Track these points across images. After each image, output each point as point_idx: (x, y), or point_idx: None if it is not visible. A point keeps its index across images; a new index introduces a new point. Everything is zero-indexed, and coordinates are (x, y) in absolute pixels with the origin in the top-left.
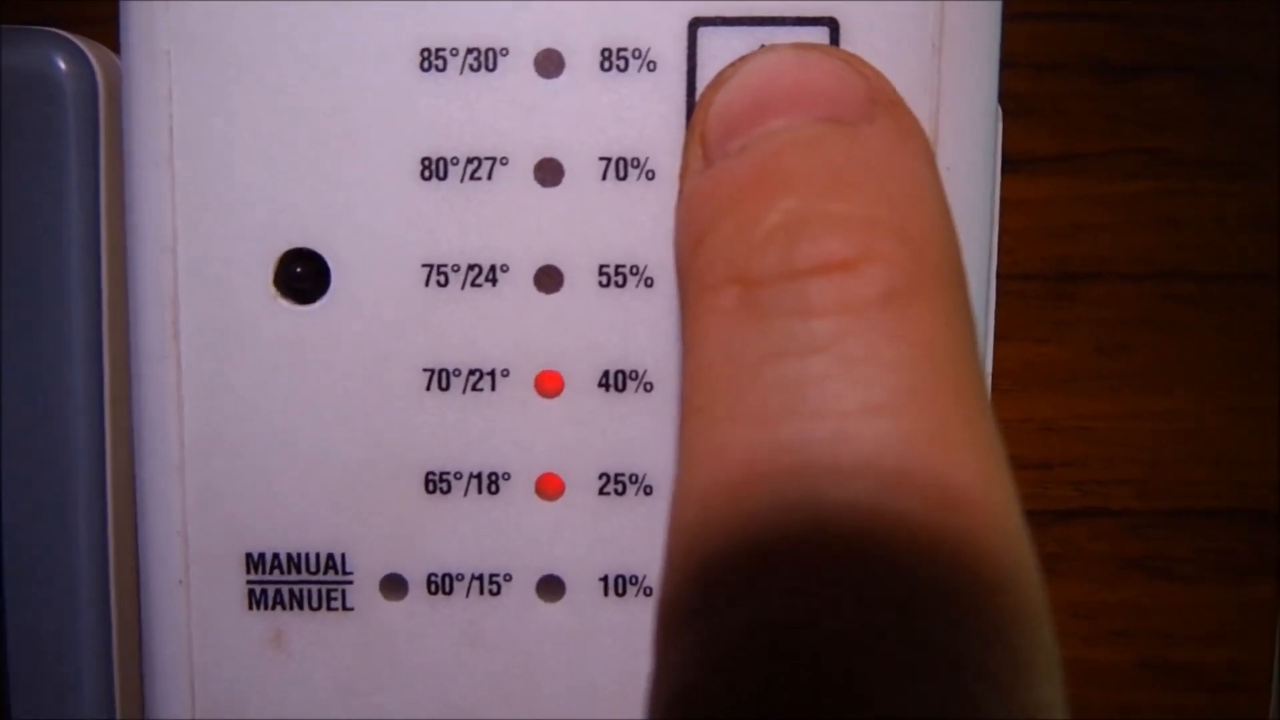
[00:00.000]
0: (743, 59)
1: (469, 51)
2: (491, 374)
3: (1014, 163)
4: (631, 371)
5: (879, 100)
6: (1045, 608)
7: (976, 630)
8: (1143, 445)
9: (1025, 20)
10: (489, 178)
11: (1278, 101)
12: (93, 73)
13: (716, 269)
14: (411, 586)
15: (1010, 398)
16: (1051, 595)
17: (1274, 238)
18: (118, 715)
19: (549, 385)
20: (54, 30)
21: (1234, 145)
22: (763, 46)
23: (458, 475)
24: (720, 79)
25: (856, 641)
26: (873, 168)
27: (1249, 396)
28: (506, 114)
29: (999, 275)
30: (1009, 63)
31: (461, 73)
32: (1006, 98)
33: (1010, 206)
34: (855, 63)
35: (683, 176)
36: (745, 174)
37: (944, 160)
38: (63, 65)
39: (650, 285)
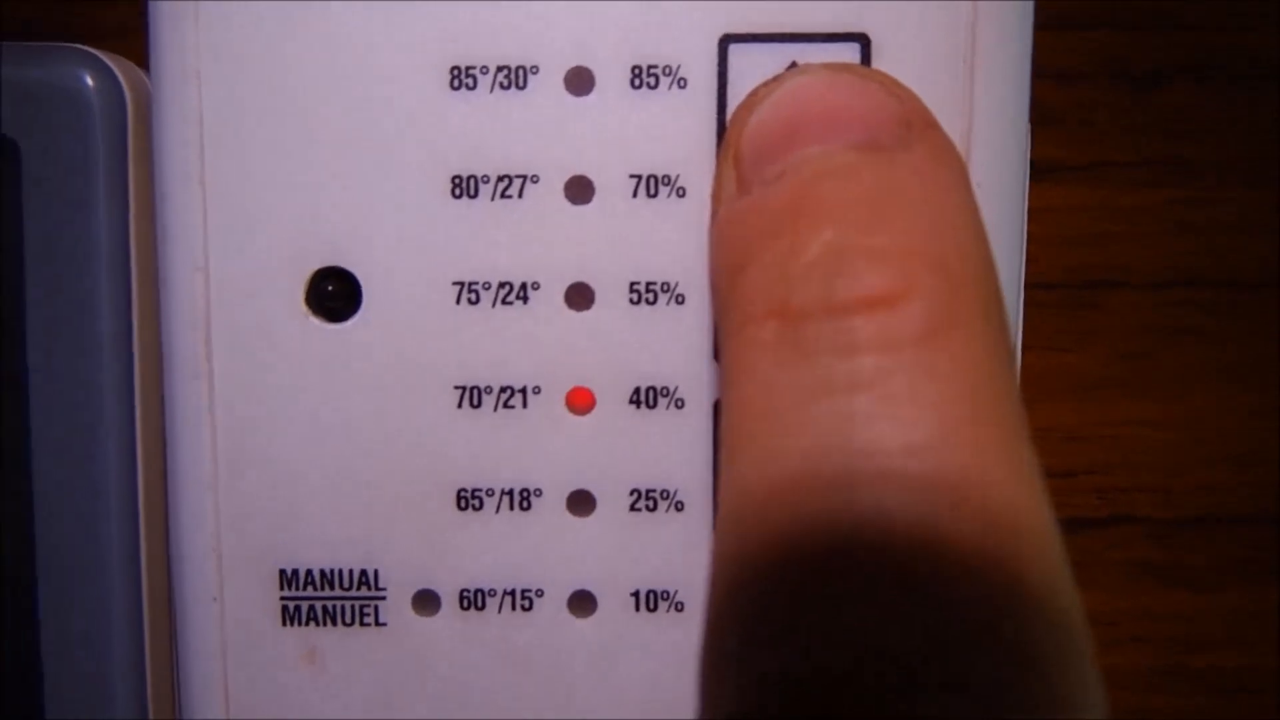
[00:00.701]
0: (775, 79)
1: (499, 69)
2: (523, 391)
3: (1036, 171)
4: (663, 388)
5: (914, 123)
6: (1087, 636)
7: (1017, 661)
8: (1165, 453)
9: (1047, 30)
10: (519, 195)
11: None
12: (120, 89)
13: (756, 302)
14: (444, 602)
15: (1033, 406)
16: None
17: None
18: None
19: (580, 402)
20: (81, 47)
21: (1256, 153)
22: (794, 64)
23: (489, 492)
24: (753, 99)
25: (902, 683)
26: (910, 197)
27: (1271, 403)
28: (537, 131)
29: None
30: (1033, 72)
31: (491, 91)
32: (1031, 107)
33: (1034, 215)
34: (889, 84)
35: (716, 198)
36: (782, 204)
37: (976, 176)
38: (91, 82)
39: (681, 302)
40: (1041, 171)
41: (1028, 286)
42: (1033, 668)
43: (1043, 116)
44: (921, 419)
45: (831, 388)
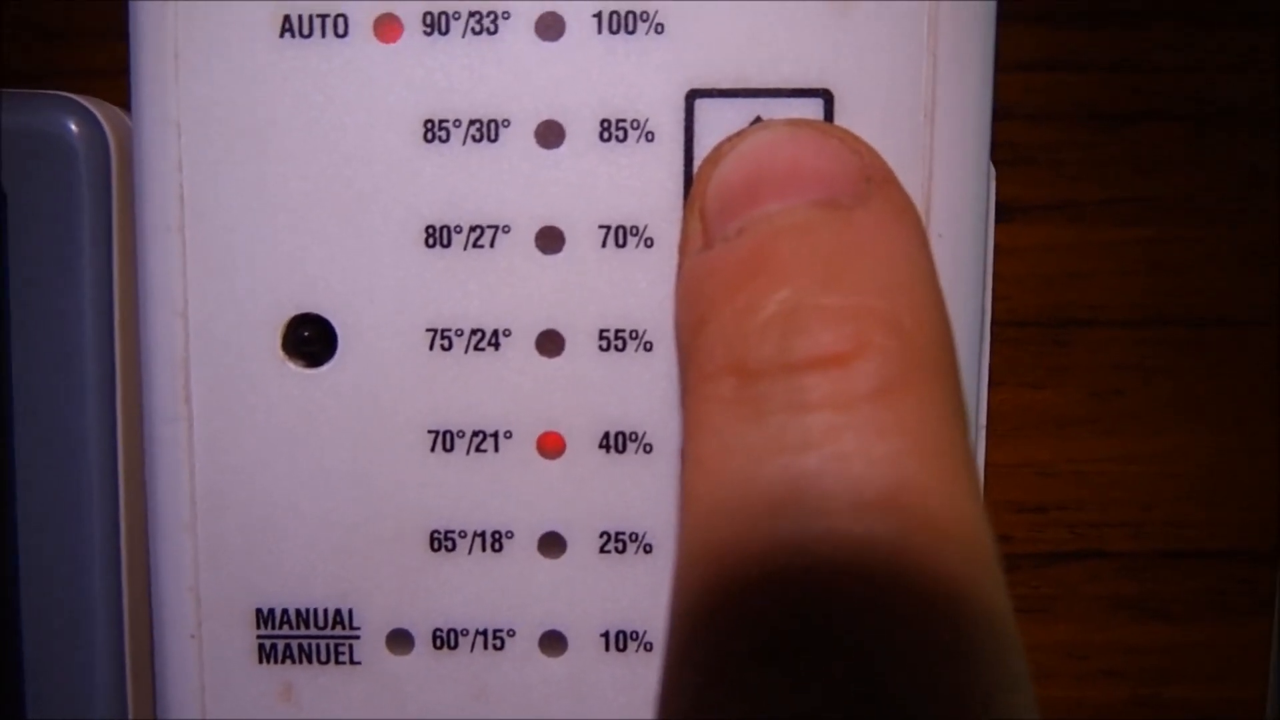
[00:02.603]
0: (739, 134)
1: (471, 123)
2: (495, 435)
3: (1009, 211)
4: (631, 433)
5: (873, 178)
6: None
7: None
8: (1137, 488)
9: (1019, 71)
10: (491, 245)
11: (1267, 146)
12: (104, 135)
13: (715, 357)
14: (418, 641)
15: (1006, 442)
16: (1047, 636)
17: (1266, 282)
18: None
19: (551, 446)
20: (65, 94)
21: (1225, 191)
22: (758, 119)
23: (462, 534)
24: (718, 154)
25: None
26: (865, 254)
27: (1241, 439)
28: (508, 183)
29: (995, 322)
30: (1004, 113)
31: (464, 143)
32: (1001, 147)
33: (1005, 254)
34: (848, 140)
35: (682, 250)
36: (742, 260)
37: (937, 226)
38: (75, 129)
39: (649, 349)
40: (1013, 211)
41: (1000, 324)
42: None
43: (1014, 156)
44: (870, 477)
45: (783, 447)
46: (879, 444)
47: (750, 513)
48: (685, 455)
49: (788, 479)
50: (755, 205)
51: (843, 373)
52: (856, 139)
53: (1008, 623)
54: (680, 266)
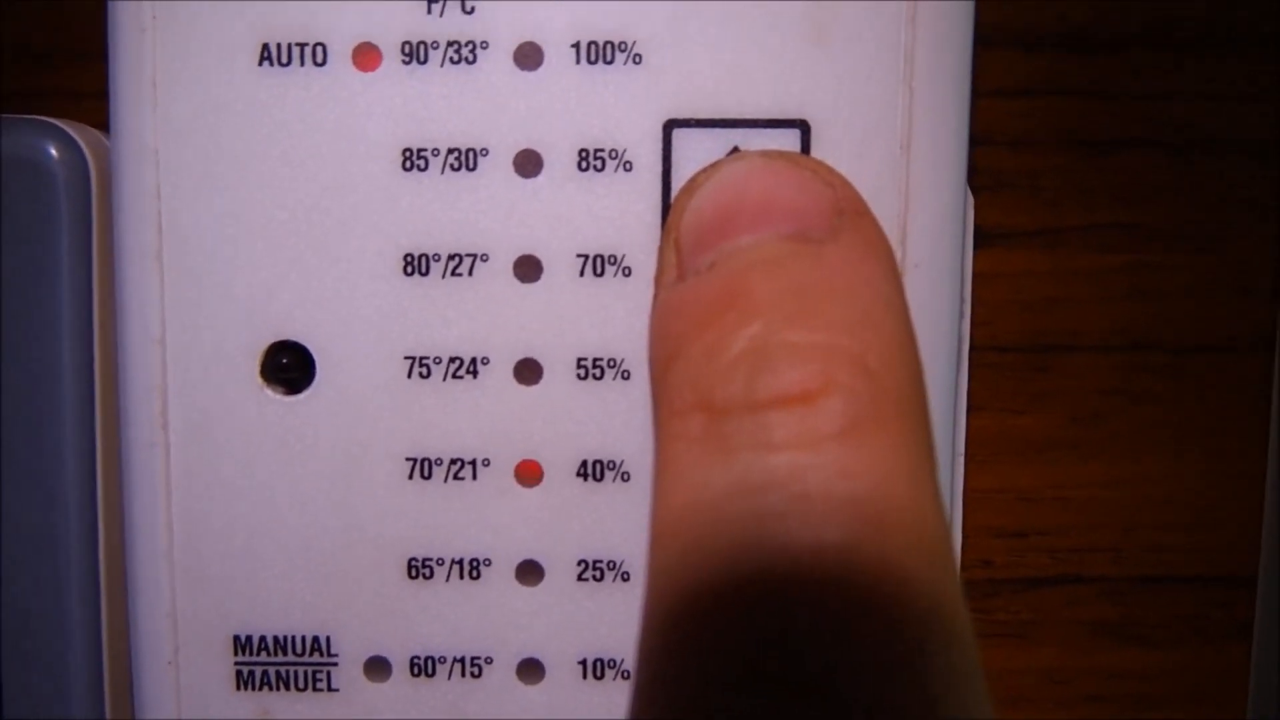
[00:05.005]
0: (714, 165)
1: (450, 152)
2: (473, 463)
3: (990, 237)
4: (609, 461)
5: (845, 211)
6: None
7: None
8: (1117, 513)
9: (1000, 97)
10: (470, 273)
11: (1247, 173)
12: (84, 160)
13: (685, 394)
14: (395, 669)
15: (987, 468)
16: (1028, 661)
17: (1245, 308)
18: None
19: (529, 474)
20: (45, 119)
21: (1205, 217)
22: (734, 149)
23: (440, 561)
24: (693, 184)
25: None
26: (835, 290)
27: (1220, 464)
28: (486, 212)
29: (976, 348)
30: (985, 139)
31: (443, 172)
32: (982, 173)
33: (987, 280)
34: (822, 171)
35: (658, 282)
36: (713, 295)
37: (914, 256)
38: (55, 153)
39: (627, 378)
40: (994, 237)
41: (981, 349)
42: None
43: (996, 182)
44: (833, 518)
45: (748, 487)
46: (842, 484)
47: (716, 552)
48: (655, 491)
49: (752, 519)
50: (727, 238)
51: (808, 411)
52: (830, 170)
53: (974, 657)
54: (655, 298)
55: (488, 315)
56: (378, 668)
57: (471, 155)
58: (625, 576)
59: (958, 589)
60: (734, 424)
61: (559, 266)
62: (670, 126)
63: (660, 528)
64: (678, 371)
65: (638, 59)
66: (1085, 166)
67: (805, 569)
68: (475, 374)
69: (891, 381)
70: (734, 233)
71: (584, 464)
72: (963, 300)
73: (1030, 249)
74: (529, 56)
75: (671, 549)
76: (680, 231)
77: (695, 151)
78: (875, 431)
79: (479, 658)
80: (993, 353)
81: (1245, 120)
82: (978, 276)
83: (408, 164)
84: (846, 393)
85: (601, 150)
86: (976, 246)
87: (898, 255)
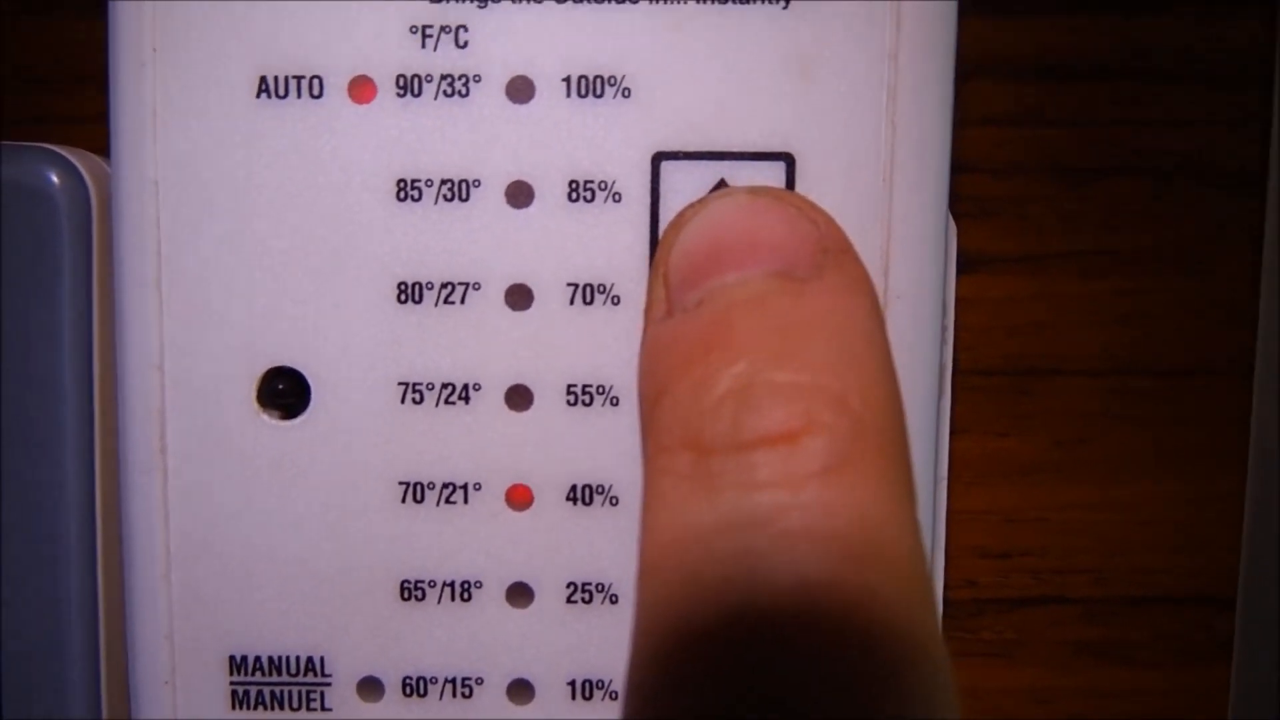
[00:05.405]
0: (701, 201)
1: (443, 182)
2: (464, 488)
3: (974, 263)
4: (598, 486)
5: (829, 249)
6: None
7: None
8: (1100, 535)
9: (985, 125)
10: (462, 301)
11: (1229, 200)
12: (85, 187)
13: (673, 431)
14: (388, 689)
15: (972, 490)
16: (1011, 681)
17: (1228, 333)
18: None
19: (519, 499)
20: (47, 146)
21: (1188, 244)
22: (722, 182)
23: (432, 583)
24: (681, 220)
25: None
26: (818, 329)
27: (1202, 487)
28: (479, 241)
29: (960, 371)
30: (969, 167)
31: (436, 202)
32: (966, 200)
33: (971, 305)
34: (805, 208)
35: (647, 315)
36: (700, 333)
37: (896, 288)
38: (56, 180)
39: (616, 404)
40: (978, 263)
41: (965, 373)
42: None
43: (979, 209)
44: (814, 556)
45: (733, 525)
46: (824, 522)
47: (703, 588)
48: (643, 524)
49: (736, 556)
50: (714, 275)
51: (791, 450)
52: (814, 208)
53: (950, 687)
54: (645, 331)
55: (479, 342)
56: (371, 688)
57: (464, 186)
58: (614, 599)
59: (936, 621)
60: (720, 463)
61: (549, 295)
62: (659, 159)
63: (649, 561)
64: (666, 408)
65: (627, 93)
66: (1069, 194)
67: (787, 605)
68: (467, 400)
69: (872, 419)
70: (720, 270)
71: (573, 488)
72: (945, 328)
73: (1014, 274)
74: (520, 90)
75: (659, 583)
76: (669, 267)
77: (683, 183)
78: (856, 469)
79: (470, 678)
80: (977, 376)
81: (1225, 148)
82: (962, 301)
83: (402, 194)
84: (828, 432)
85: (591, 181)
86: (961, 272)
87: (880, 285)
